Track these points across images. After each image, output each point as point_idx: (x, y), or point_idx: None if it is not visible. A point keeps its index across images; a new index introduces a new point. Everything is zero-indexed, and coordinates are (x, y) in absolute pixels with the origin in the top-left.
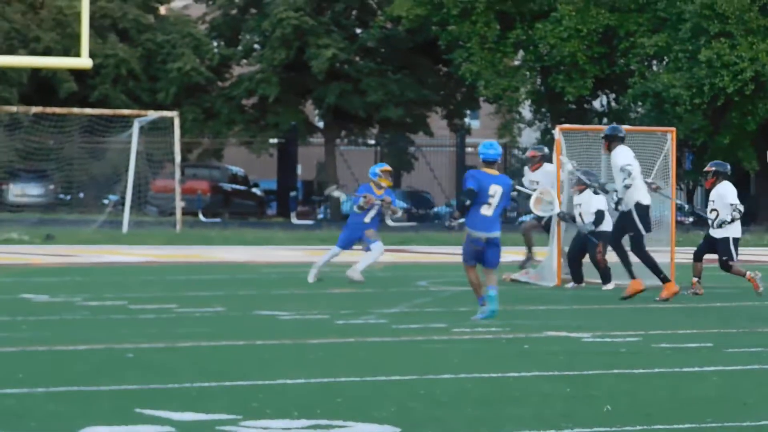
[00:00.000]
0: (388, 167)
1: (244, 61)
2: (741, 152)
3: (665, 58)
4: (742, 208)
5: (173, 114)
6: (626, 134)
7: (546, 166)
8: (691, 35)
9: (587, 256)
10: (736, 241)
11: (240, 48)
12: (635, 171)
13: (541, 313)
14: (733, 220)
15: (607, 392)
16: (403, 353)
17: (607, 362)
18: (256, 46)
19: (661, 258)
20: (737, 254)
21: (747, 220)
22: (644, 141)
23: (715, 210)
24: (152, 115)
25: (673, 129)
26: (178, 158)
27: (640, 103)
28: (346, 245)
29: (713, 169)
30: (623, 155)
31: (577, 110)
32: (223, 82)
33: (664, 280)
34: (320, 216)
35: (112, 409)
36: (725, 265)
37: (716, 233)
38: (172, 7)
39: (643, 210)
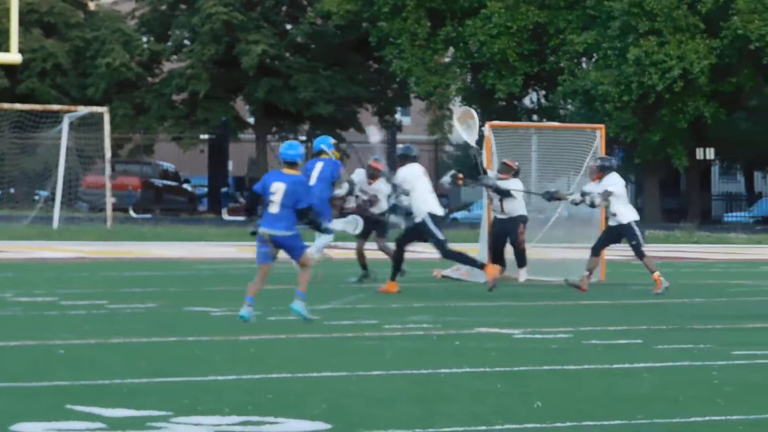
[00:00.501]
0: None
1: (175, 56)
2: (671, 149)
3: (595, 55)
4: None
5: (103, 109)
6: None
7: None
8: (620, 33)
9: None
10: (637, 223)
11: (170, 43)
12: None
13: (473, 310)
14: (592, 205)
15: (538, 389)
16: (335, 350)
17: (538, 359)
18: (186, 41)
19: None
20: (644, 237)
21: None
22: (573, 138)
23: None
24: (82, 110)
25: (602, 126)
26: (108, 154)
27: (570, 101)
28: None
29: (598, 164)
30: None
31: (507, 107)
32: (154, 78)
33: (482, 266)
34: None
35: (43, 406)
36: (638, 251)
37: (613, 221)
38: (102, 2)
39: (437, 218)
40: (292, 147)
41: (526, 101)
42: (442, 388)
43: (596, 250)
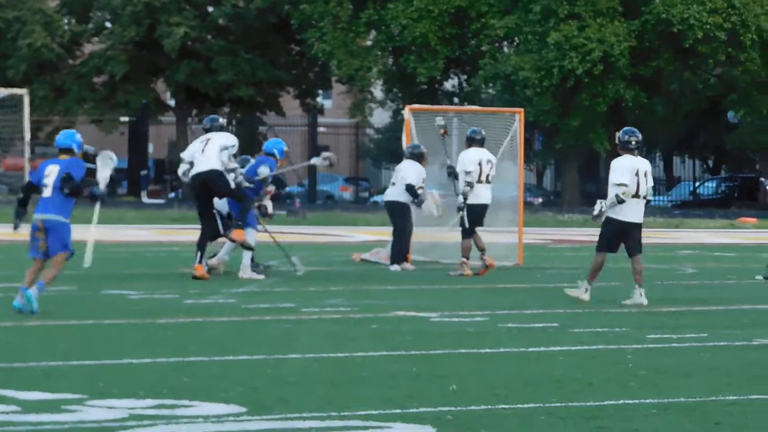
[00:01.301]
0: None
1: (96, 38)
2: (592, 134)
3: (516, 39)
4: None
5: (23, 91)
6: (474, 115)
7: None
8: (541, 17)
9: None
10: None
11: (91, 25)
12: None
13: (390, 293)
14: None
15: (453, 372)
16: (252, 333)
17: (454, 342)
18: (107, 24)
19: (509, 238)
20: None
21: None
22: (493, 122)
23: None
24: (2, 92)
25: (521, 110)
26: (27, 136)
27: (491, 85)
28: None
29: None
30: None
31: (428, 91)
32: (74, 60)
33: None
34: (171, 195)
35: None
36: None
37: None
38: None
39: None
40: (67, 136)
41: (447, 85)
42: (359, 372)
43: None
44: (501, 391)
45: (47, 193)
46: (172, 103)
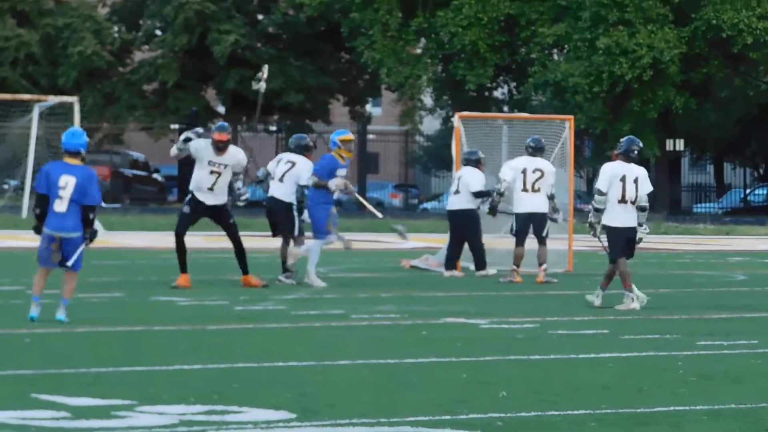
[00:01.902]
0: (349, 135)
1: (146, 46)
2: (642, 140)
3: (565, 47)
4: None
5: (73, 99)
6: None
7: None
8: (591, 24)
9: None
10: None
11: (141, 33)
12: None
13: (440, 300)
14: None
15: (503, 378)
16: (301, 339)
17: (503, 348)
18: (157, 31)
19: (559, 245)
20: None
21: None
22: (544, 129)
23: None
24: (52, 99)
25: (571, 117)
26: None
27: (540, 92)
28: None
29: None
30: None
31: (478, 98)
32: (124, 68)
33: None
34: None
35: (8, 394)
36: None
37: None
38: None
39: None
40: (74, 135)
41: (497, 93)
42: (408, 378)
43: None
44: (550, 397)
45: (62, 207)
46: (221, 110)
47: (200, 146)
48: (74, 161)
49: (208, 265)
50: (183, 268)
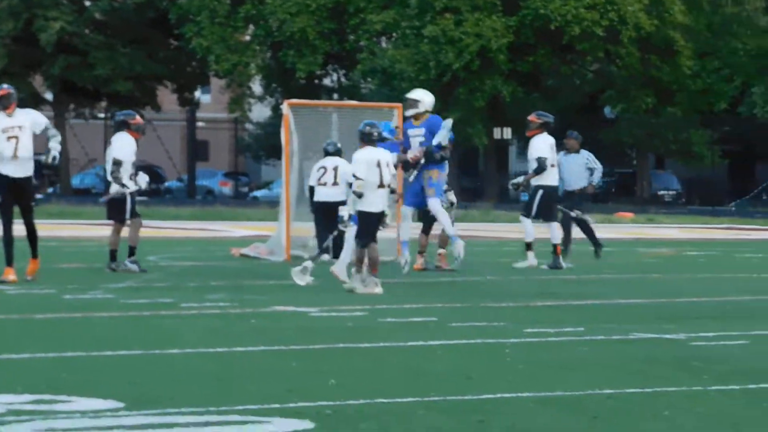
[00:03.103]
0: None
1: None
2: (470, 129)
3: (394, 34)
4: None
5: None
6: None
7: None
8: (419, 11)
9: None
10: None
11: None
12: None
13: (270, 288)
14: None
15: (333, 367)
16: (131, 328)
17: (333, 337)
18: None
19: (389, 233)
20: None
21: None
22: (372, 117)
23: (336, 183)
24: None
25: (400, 105)
26: None
27: (369, 79)
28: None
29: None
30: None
31: (308, 86)
32: None
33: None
34: (50, 191)
35: None
36: None
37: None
38: None
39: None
40: None
41: (327, 81)
42: (237, 367)
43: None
44: (380, 385)
45: None
46: (49, 96)
47: None
48: None
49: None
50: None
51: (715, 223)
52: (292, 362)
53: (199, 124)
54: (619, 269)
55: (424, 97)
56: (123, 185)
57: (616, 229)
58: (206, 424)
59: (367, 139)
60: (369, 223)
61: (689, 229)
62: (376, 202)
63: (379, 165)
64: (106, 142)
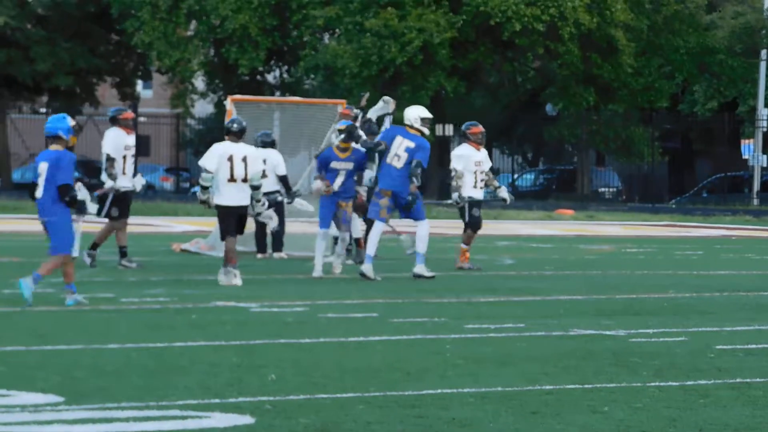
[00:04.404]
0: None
1: None
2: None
3: (337, 30)
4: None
5: None
6: (297, 106)
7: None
8: (362, 6)
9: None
10: None
11: None
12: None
13: (210, 283)
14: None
15: (273, 362)
16: (71, 323)
17: (274, 332)
18: None
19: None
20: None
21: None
22: (316, 113)
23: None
24: None
25: (343, 101)
26: None
27: (312, 76)
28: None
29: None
30: None
31: (251, 82)
32: None
33: None
34: None
35: None
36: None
37: None
38: None
39: None
40: (55, 119)
41: (270, 77)
42: (178, 361)
43: None
44: (320, 380)
45: (38, 193)
46: None
47: None
48: (54, 146)
49: None
50: None
51: (655, 221)
52: (232, 357)
53: (141, 119)
54: (560, 266)
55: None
56: (114, 179)
57: (557, 225)
58: (146, 418)
59: (227, 132)
60: (223, 217)
61: (629, 226)
62: (229, 195)
63: (231, 159)
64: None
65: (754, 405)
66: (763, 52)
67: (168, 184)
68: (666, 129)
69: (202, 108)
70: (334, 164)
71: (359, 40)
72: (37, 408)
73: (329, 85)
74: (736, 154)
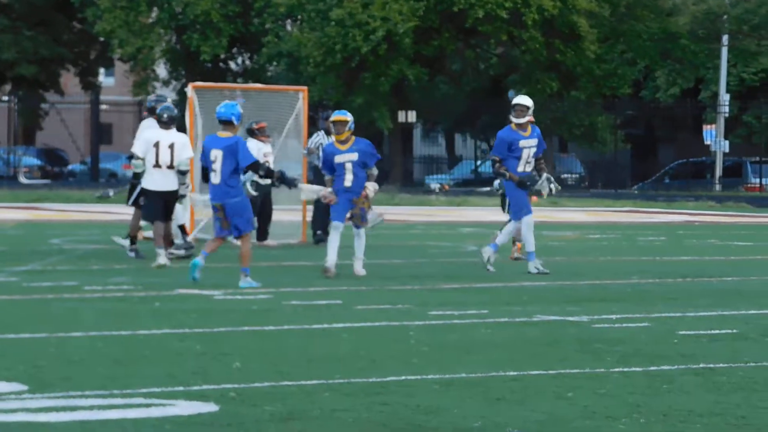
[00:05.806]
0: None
1: None
2: (376, 112)
3: (299, 17)
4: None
5: None
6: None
7: None
8: None
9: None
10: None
11: None
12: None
13: (174, 272)
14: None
15: (237, 349)
16: (34, 311)
17: (238, 320)
18: None
19: (293, 216)
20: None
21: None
22: (278, 100)
23: None
24: None
25: (305, 88)
26: None
27: (275, 63)
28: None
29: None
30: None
31: (214, 69)
32: None
33: None
34: None
35: None
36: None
37: None
38: None
39: None
40: (226, 105)
41: (233, 64)
42: (142, 350)
43: None
44: (284, 368)
45: (216, 179)
46: None
47: None
48: (225, 134)
49: None
50: None
51: (617, 207)
52: (196, 345)
53: (103, 107)
54: (523, 252)
55: (531, 103)
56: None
57: None
58: (110, 406)
59: (158, 119)
60: (148, 201)
61: (593, 212)
62: (153, 180)
63: (157, 146)
64: (10, 126)
65: (718, 391)
66: (725, 37)
67: (130, 172)
68: (629, 115)
69: (165, 95)
70: (338, 158)
71: (323, 28)
72: (1, 397)
73: (293, 73)
74: (699, 140)
